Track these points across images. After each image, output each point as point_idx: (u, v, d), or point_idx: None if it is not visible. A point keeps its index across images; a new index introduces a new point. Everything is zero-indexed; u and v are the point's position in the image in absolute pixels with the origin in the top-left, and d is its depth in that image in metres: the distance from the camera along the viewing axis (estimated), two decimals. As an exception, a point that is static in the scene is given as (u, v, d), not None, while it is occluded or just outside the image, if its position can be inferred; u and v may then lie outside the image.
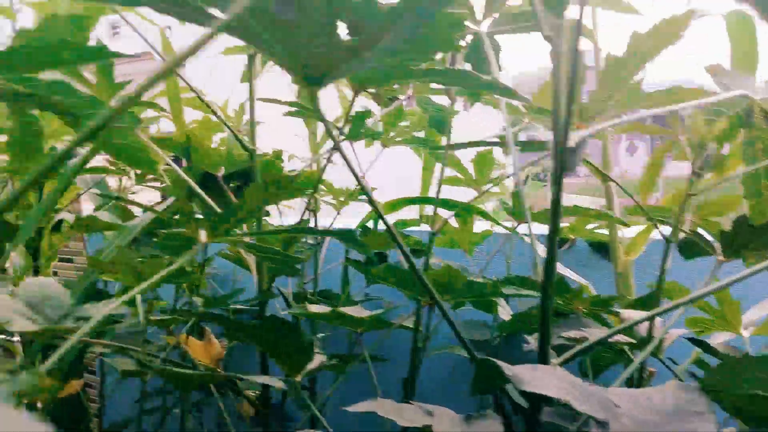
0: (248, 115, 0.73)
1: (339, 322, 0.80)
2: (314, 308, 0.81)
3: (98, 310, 0.55)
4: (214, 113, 0.69)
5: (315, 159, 1.16)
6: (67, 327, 0.47)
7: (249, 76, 0.69)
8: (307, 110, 0.74)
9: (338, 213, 1.25)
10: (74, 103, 0.48)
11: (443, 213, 0.90)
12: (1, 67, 0.41)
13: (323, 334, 1.05)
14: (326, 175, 0.82)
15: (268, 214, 1.05)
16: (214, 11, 0.33)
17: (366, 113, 0.75)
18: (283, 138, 1.31)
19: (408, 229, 1.19)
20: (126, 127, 0.55)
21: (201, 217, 0.58)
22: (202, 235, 0.56)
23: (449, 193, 0.91)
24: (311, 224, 1.19)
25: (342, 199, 1.22)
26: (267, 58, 0.70)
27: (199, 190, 0.78)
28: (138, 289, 0.45)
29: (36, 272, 0.99)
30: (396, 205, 1.13)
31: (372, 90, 0.88)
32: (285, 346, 0.63)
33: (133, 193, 1.26)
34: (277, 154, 1.09)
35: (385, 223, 0.42)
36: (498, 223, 1.03)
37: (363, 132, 0.77)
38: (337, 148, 0.43)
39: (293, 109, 0.71)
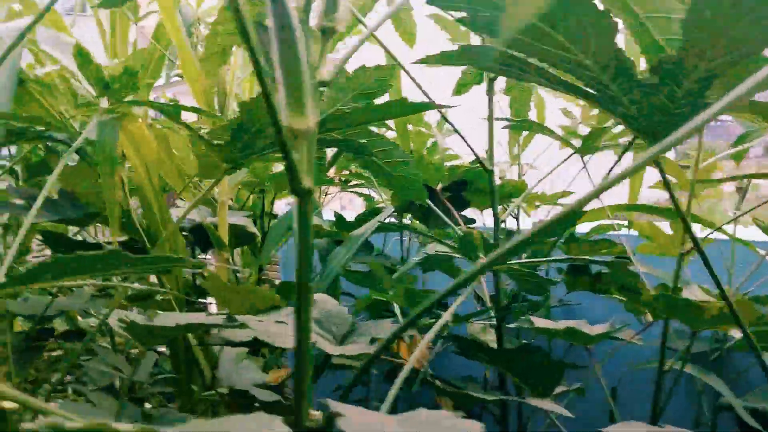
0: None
1: (568, 338, 0.80)
2: (541, 323, 0.82)
3: (382, 329, 0.60)
4: (457, 132, 0.72)
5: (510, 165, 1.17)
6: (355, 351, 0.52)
7: (490, 95, 0.71)
8: (537, 126, 0.75)
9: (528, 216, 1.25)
10: (380, 147, 0.52)
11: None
12: (342, 121, 0.45)
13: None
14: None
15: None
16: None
17: (605, 129, 0.74)
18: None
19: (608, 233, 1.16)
20: (404, 161, 0.58)
21: (463, 237, 0.60)
22: (481, 261, 0.59)
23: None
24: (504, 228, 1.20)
25: (537, 204, 1.21)
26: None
27: (432, 205, 0.82)
28: (420, 309, 0.48)
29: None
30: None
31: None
32: (534, 369, 0.64)
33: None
34: (475, 163, 1.11)
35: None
36: (722, 231, 0.97)
37: (596, 146, 0.76)
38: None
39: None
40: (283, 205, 1.50)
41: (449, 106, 0.52)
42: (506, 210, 0.81)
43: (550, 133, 0.76)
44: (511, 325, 0.83)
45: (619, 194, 1.14)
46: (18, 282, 0.27)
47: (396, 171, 0.61)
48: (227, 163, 0.45)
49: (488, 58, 0.39)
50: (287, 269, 1.60)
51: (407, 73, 0.62)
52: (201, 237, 0.90)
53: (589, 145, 0.76)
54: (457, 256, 0.63)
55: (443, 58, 0.42)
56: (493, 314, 0.77)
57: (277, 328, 0.51)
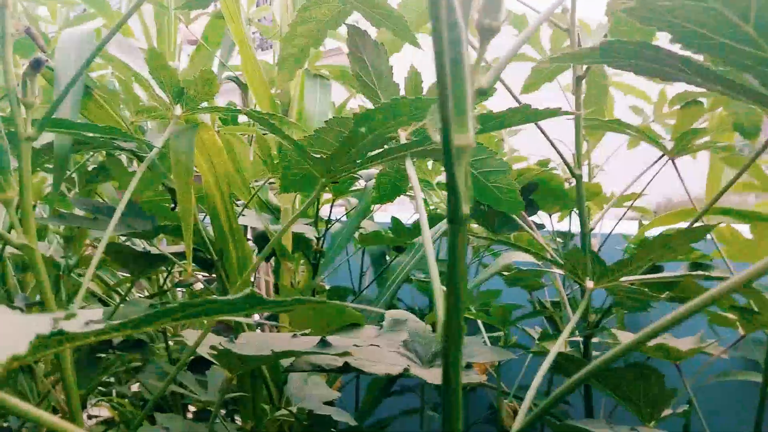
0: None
1: (659, 354, 0.75)
2: (626, 337, 0.77)
3: (476, 352, 0.56)
4: (544, 134, 0.67)
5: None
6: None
7: (578, 94, 0.66)
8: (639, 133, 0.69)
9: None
10: (479, 155, 0.47)
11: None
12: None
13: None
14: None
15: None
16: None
17: (700, 130, 0.68)
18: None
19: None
20: (501, 170, 0.54)
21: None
22: (589, 283, 0.54)
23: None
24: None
25: (605, 206, 1.15)
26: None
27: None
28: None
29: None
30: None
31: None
32: (645, 393, 0.59)
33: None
34: (543, 163, 1.05)
35: None
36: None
37: (692, 146, 0.70)
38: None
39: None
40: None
41: (573, 113, 0.47)
42: (589, 216, 0.75)
43: (639, 133, 0.70)
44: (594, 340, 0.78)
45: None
46: (141, 324, 0.23)
47: (490, 180, 0.56)
48: (329, 176, 0.41)
49: (635, 55, 0.34)
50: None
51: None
52: (263, 245, 0.87)
53: (683, 147, 0.71)
54: (554, 270, 0.58)
55: (577, 57, 0.37)
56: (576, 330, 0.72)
57: (372, 353, 0.47)
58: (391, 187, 0.58)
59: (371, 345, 0.49)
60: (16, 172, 0.41)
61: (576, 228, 1.19)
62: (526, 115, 0.39)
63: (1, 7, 0.39)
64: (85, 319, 0.25)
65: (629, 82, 1.09)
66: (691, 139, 0.70)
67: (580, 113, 0.50)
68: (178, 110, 0.54)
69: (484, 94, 0.26)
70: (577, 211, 0.73)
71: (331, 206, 1.11)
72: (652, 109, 1.07)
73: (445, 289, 0.30)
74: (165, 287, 1.09)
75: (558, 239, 1.14)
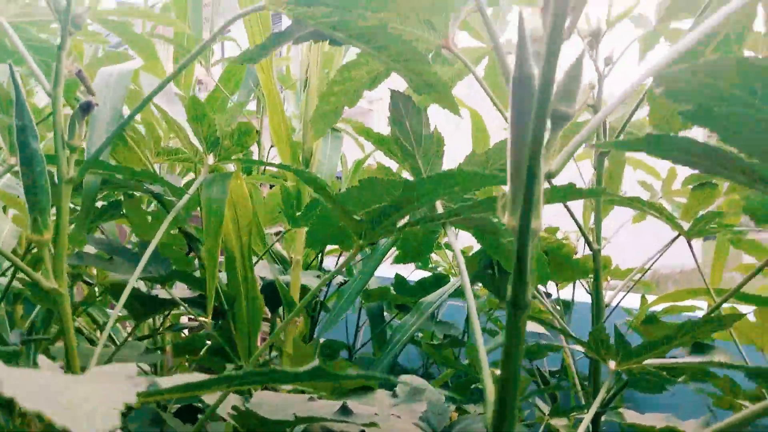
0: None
1: None
2: (633, 417, 0.75)
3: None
4: (566, 207, 0.67)
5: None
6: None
7: (600, 170, 0.67)
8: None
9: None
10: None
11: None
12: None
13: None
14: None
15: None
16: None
17: (717, 214, 0.69)
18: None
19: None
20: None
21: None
22: (612, 364, 0.53)
23: None
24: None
25: (608, 279, 1.16)
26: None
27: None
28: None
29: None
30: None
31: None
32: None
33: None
34: (552, 231, 1.06)
35: None
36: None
37: (708, 228, 0.71)
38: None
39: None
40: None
41: (604, 193, 0.48)
42: (602, 289, 0.75)
43: (657, 211, 0.71)
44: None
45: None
46: (208, 386, 0.23)
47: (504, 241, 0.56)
48: (367, 239, 0.41)
49: (683, 150, 0.35)
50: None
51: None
52: (269, 296, 0.85)
53: (699, 229, 0.71)
54: (572, 347, 0.57)
55: (625, 145, 0.37)
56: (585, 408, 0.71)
57: (393, 426, 0.46)
58: (416, 249, 0.58)
59: (392, 415, 0.47)
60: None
61: (578, 297, 1.19)
62: (564, 193, 0.39)
63: (58, 48, 0.39)
64: (127, 372, 0.24)
65: (639, 157, 1.11)
66: (708, 223, 0.70)
67: (604, 189, 0.50)
68: (211, 159, 0.54)
69: (551, 176, 0.26)
70: (592, 286, 0.73)
71: (338, 258, 1.10)
72: (660, 185, 1.09)
73: (496, 371, 0.30)
74: (159, 329, 1.07)
75: (557, 307, 1.14)
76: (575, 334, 0.61)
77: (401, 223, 0.43)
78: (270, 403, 0.47)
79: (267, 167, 0.94)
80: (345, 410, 0.45)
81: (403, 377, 0.62)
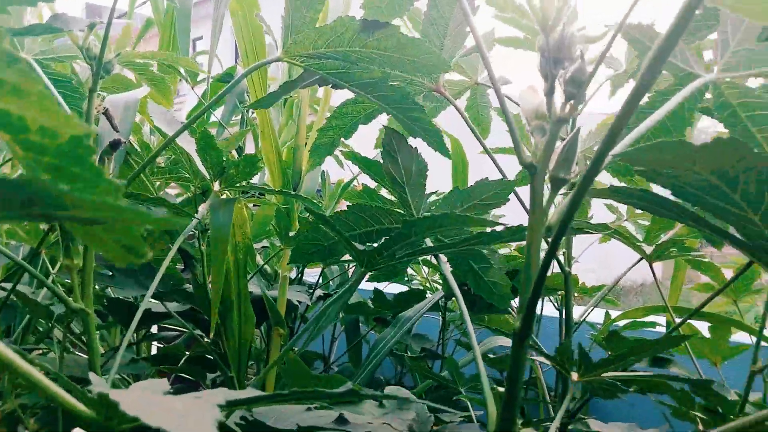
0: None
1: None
2: (598, 426, 0.81)
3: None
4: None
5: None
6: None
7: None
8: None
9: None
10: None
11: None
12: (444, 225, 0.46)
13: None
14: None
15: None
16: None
17: (677, 240, 0.76)
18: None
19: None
20: (498, 267, 0.59)
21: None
22: (574, 375, 0.59)
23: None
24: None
25: (576, 294, 1.22)
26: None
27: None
28: None
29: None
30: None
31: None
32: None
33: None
34: (522, 250, 1.12)
35: None
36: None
37: (669, 252, 0.78)
38: None
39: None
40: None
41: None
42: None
43: (623, 237, 0.77)
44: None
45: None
46: (261, 401, 0.27)
47: (487, 276, 0.62)
48: (371, 267, 0.46)
49: (641, 198, 0.41)
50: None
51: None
52: (256, 310, 0.89)
53: (659, 253, 0.78)
54: (539, 359, 0.63)
55: (594, 193, 0.43)
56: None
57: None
58: (392, 270, 0.63)
59: (384, 423, 0.52)
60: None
61: (546, 311, 1.25)
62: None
63: (90, 91, 0.43)
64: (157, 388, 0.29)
65: (606, 182, 1.18)
66: (668, 248, 0.77)
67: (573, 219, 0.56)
68: (217, 186, 0.58)
69: (549, 229, 0.32)
70: (562, 304, 0.79)
71: (321, 272, 1.15)
72: (626, 208, 1.17)
73: (499, 390, 0.35)
74: (142, 339, 1.09)
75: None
76: (543, 346, 0.67)
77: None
78: (272, 413, 0.52)
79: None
80: (342, 420, 0.49)
81: (390, 388, 0.67)
